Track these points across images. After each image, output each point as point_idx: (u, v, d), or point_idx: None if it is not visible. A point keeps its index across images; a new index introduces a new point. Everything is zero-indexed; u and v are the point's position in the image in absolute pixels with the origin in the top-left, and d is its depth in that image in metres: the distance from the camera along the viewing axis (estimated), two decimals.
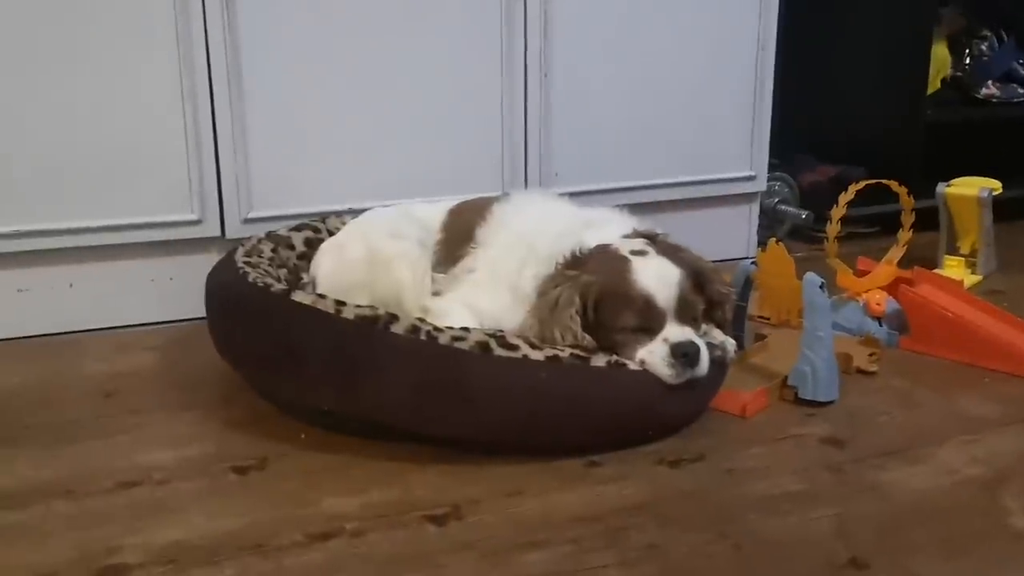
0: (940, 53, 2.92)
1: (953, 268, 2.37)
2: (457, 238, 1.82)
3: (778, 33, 2.52)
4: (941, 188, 2.40)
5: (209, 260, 1.95)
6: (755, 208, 2.64)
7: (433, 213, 1.91)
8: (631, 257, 1.56)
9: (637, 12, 2.37)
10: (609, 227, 1.68)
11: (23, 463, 1.48)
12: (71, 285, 2.06)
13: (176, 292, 2.10)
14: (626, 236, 1.64)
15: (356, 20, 2.13)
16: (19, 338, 2.02)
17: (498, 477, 1.43)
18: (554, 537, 1.28)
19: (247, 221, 2.12)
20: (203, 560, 1.22)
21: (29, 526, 1.30)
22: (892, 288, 2.01)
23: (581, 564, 1.22)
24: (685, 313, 1.54)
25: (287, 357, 1.53)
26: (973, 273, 2.37)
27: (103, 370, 1.86)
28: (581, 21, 2.31)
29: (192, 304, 1.81)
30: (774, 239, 1.77)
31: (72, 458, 1.50)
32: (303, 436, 1.55)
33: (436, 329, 1.48)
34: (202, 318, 1.77)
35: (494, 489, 1.40)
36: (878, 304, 1.96)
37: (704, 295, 1.59)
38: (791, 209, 2.72)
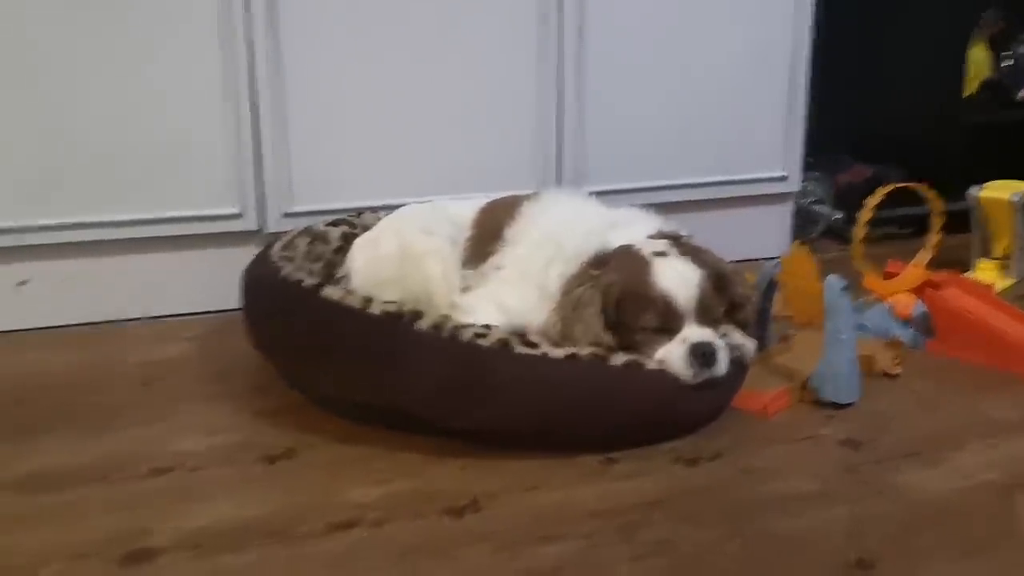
0: (979, 55, 2.91)
1: (986, 271, 2.36)
2: (487, 235, 1.85)
3: (818, 33, 2.52)
4: (974, 191, 2.39)
5: (249, 253, 1.98)
6: (789, 208, 2.65)
7: (465, 210, 1.93)
8: (653, 258, 1.58)
9: (671, 13, 2.39)
10: (634, 227, 1.70)
11: (63, 448, 1.54)
12: (116, 275, 2.13)
13: (217, 283, 2.14)
14: (650, 237, 1.66)
15: (394, 22, 2.18)
16: (66, 326, 2.09)
17: (517, 471, 1.46)
18: (568, 531, 1.31)
19: (287, 215, 2.17)
20: (228, 546, 1.27)
21: (64, 509, 1.36)
22: (920, 291, 2.02)
23: (593, 558, 1.25)
24: (705, 314, 1.57)
25: (315, 350, 1.58)
26: (1006, 277, 2.36)
27: (144, 359, 1.92)
28: (616, 22, 2.34)
29: (232, 295, 1.86)
30: (797, 241, 1.79)
31: (109, 444, 1.56)
32: (330, 427, 1.60)
33: (459, 326, 1.52)
34: (240, 309, 1.82)
35: (513, 483, 1.43)
36: (905, 307, 1.97)
37: (725, 297, 1.62)
38: (825, 209, 2.73)
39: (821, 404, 1.68)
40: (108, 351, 1.96)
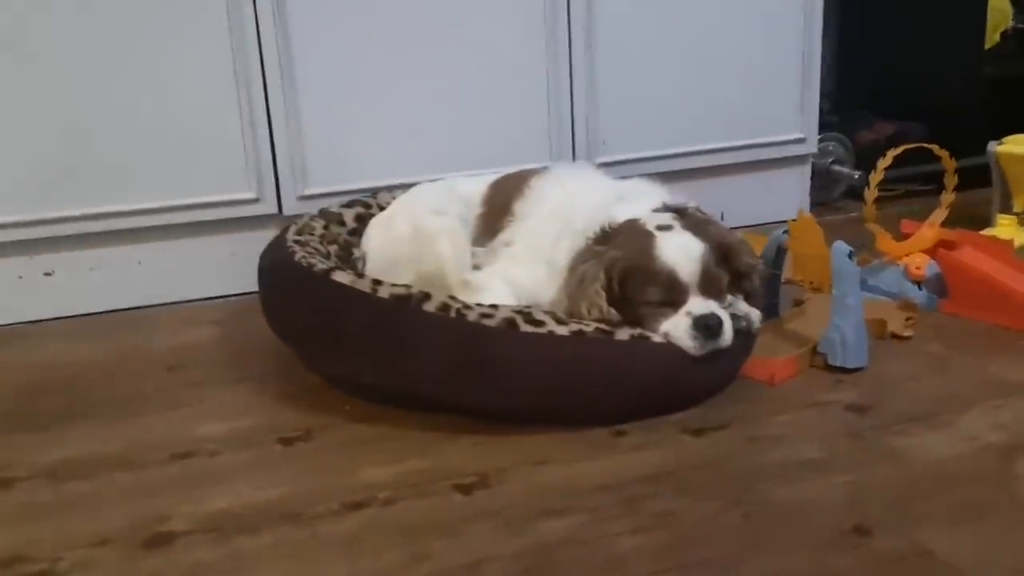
0: (1001, 5, 2.87)
1: (1005, 227, 2.34)
2: (496, 212, 1.88)
3: None
4: (992, 147, 2.37)
5: (267, 236, 2.03)
6: (807, 170, 2.65)
7: (476, 188, 1.96)
8: (656, 232, 1.60)
9: None
10: (640, 201, 1.71)
11: (89, 436, 1.60)
12: (139, 263, 2.18)
13: (237, 267, 2.20)
14: (655, 210, 1.68)
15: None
16: (91, 314, 2.16)
17: (527, 447, 1.49)
18: (574, 505, 1.34)
19: (303, 198, 2.22)
20: (244, 528, 1.31)
21: (88, 496, 1.41)
22: (934, 251, 2.01)
23: (597, 532, 1.28)
24: (709, 286, 1.58)
25: (328, 334, 1.62)
26: None
27: (167, 344, 1.98)
28: None
29: (252, 278, 1.91)
30: (801, 210, 1.79)
31: (134, 431, 1.61)
32: (347, 408, 1.64)
33: (465, 307, 1.54)
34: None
35: (522, 458, 1.46)
36: (918, 268, 1.96)
37: (730, 268, 1.63)
38: (845, 170, 2.72)
39: (830, 370, 1.70)
40: (133, 338, 2.02)
